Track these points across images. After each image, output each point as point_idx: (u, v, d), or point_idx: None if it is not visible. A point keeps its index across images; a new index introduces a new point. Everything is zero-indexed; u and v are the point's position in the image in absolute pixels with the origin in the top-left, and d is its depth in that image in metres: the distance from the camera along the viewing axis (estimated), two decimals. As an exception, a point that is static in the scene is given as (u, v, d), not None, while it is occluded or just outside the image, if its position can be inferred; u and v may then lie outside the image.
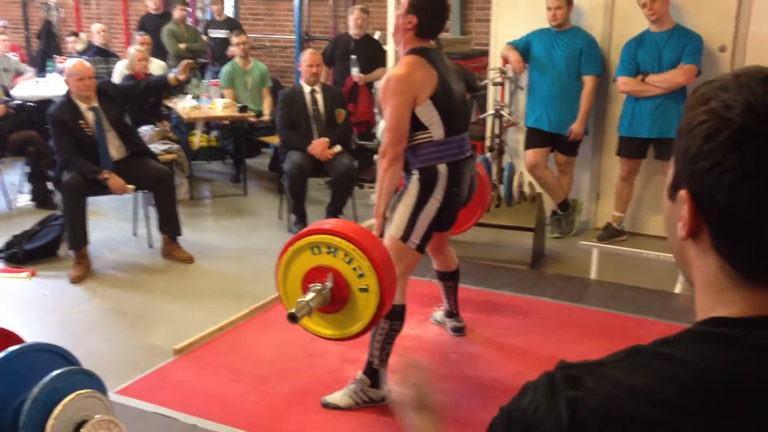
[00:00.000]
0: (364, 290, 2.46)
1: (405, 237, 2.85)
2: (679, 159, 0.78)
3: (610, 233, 5.09)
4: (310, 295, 2.46)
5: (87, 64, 4.84)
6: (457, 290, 3.50)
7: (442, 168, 2.84)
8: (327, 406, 2.96)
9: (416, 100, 2.77)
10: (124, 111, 5.00)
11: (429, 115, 2.80)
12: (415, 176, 2.86)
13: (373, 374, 2.94)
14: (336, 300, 2.49)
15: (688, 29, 4.69)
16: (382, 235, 2.88)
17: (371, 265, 2.44)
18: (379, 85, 2.86)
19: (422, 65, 2.80)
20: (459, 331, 3.53)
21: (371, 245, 2.49)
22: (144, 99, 5.80)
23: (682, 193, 0.77)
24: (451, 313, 3.54)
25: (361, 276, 2.45)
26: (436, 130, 2.83)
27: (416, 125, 2.81)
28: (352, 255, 2.45)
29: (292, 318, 2.41)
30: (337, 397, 2.96)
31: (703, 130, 0.74)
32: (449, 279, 3.46)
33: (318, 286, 2.47)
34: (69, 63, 4.87)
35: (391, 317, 2.86)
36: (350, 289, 2.48)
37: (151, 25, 8.27)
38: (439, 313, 3.65)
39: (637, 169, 4.96)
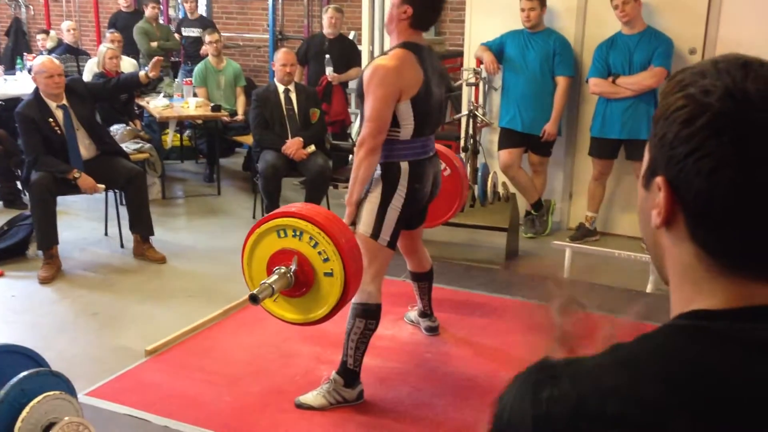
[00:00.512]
0: (329, 275, 2.47)
1: (375, 234, 2.85)
2: (655, 145, 0.76)
3: (583, 233, 5.14)
4: (273, 278, 2.46)
5: (56, 61, 4.77)
6: (431, 290, 3.51)
7: (404, 165, 2.84)
8: (300, 406, 2.94)
9: (400, 97, 2.75)
10: (94, 109, 4.95)
11: (405, 114, 2.80)
12: (378, 172, 2.86)
13: (347, 374, 2.93)
14: (300, 283, 2.49)
15: (659, 32, 4.74)
16: (353, 223, 2.87)
17: (336, 250, 2.44)
18: (362, 77, 2.80)
19: (412, 64, 2.78)
20: (433, 330, 3.54)
21: (337, 230, 2.49)
22: (115, 97, 5.73)
23: (658, 180, 0.75)
24: (425, 313, 3.55)
25: (326, 260, 2.46)
26: (406, 129, 2.83)
27: (391, 122, 2.80)
28: (318, 239, 2.45)
29: (254, 299, 2.41)
30: (311, 397, 2.95)
31: (680, 115, 0.72)
32: (423, 279, 3.47)
33: (282, 269, 2.48)
34: (37, 61, 4.79)
35: (366, 316, 2.86)
36: (315, 273, 2.49)
37: (122, 22, 8.19)
38: (412, 313, 3.65)
39: (609, 169, 5.01)
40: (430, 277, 3.48)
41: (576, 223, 5.33)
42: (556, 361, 0.76)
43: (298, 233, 2.48)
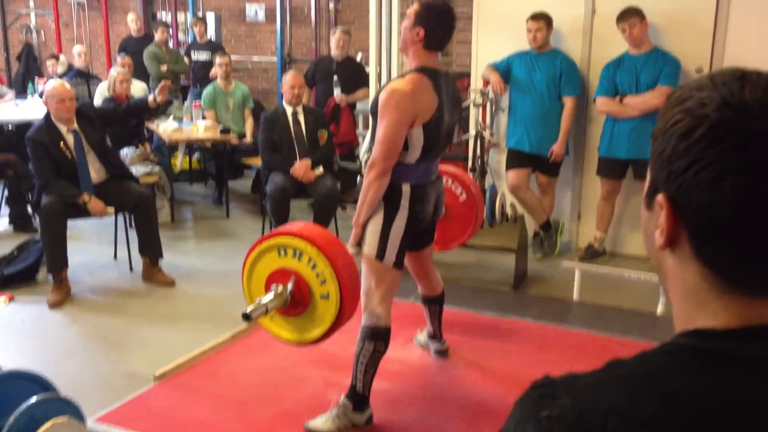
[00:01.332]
0: (325, 297, 2.49)
1: (380, 255, 2.83)
2: (654, 163, 0.74)
3: (592, 253, 5.10)
4: (269, 296, 2.47)
5: (67, 85, 4.81)
6: (442, 314, 3.49)
7: (406, 188, 2.84)
8: (310, 431, 2.92)
9: (413, 121, 2.75)
10: (104, 133, 4.98)
11: (416, 139, 2.79)
12: None
13: (357, 398, 2.91)
14: (297, 303, 2.50)
15: (665, 52, 4.75)
16: (359, 244, 2.87)
17: (334, 273, 2.45)
18: (377, 99, 2.81)
19: (428, 90, 2.77)
20: (442, 353, 3.52)
21: (336, 253, 2.50)
22: (125, 122, 5.77)
23: (659, 197, 0.73)
24: (434, 336, 3.53)
25: (323, 283, 2.48)
26: (413, 153, 2.82)
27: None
28: (316, 260, 2.47)
29: (246, 317, 2.43)
30: (320, 421, 2.93)
31: (678, 129, 0.71)
32: (434, 303, 3.45)
33: (279, 287, 2.49)
34: (49, 85, 4.83)
35: (376, 339, 2.84)
36: (311, 294, 2.50)
37: (133, 47, 8.27)
38: (422, 336, 3.63)
39: (618, 189, 4.99)
40: (441, 300, 3.46)
41: (585, 243, 5.30)
42: (555, 379, 0.75)
43: (297, 253, 2.50)
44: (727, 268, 0.71)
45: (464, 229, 3.71)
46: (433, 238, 3.25)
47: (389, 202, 2.83)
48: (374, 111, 2.82)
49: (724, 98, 0.69)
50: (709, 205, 0.69)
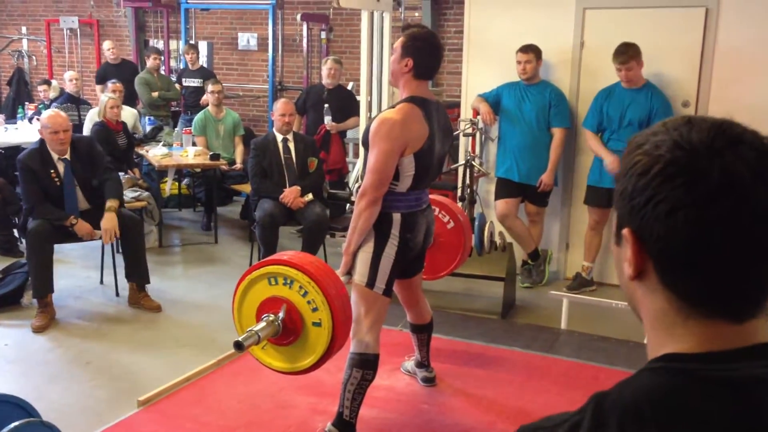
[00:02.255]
0: (317, 324, 2.47)
1: (370, 283, 2.84)
2: (618, 201, 0.81)
3: (580, 283, 5.13)
4: (261, 325, 2.46)
5: (63, 115, 4.76)
6: (430, 342, 3.48)
7: (396, 216, 2.85)
8: None
9: (404, 151, 2.77)
10: (92, 175, 4.82)
11: (407, 168, 2.81)
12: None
13: (343, 425, 2.89)
14: (288, 332, 2.48)
15: (656, 89, 4.78)
16: (349, 272, 2.88)
17: (325, 300, 2.44)
18: (369, 128, 2.84)
19: (419, 119, 2.79)
20: (429, 381, 3.50)
21: (328, 280, 2.50)
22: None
23: (625, 232, 0.80)
24: (422, 364, 3.51)
25: (315, 310, 2.47)
26: (404, 182, 2.84)
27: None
28: (307, 288, 2.46)
29: (238, 346, 2.40)
30: None
31: (637, 168, 0.79)
32: (423, 331, 3.43)
33: (270, 316, 2.48)
34: (46, 114, 4.71)
35: (364, 367, 2.83)
36: (303, 322, 2.49)
37: (112, 74, 8.27)
38: (409, 363, 3.62)
39: (605, 219, 5.02)
40: (430, 328, 3.45)
41: (573, 272, 5.32)
42: (539, 422, 0.80)
43: (288, 281, 2.49)
44: (689, 292, 0.77)
45: (452, 259, 3.71)
46: (423, 266, 3.25)
47: (380, 230, 2.84)
48: (365, 141, 2.84)
49: (675, 141, 0.77)
50: (666, 235, 0.76)
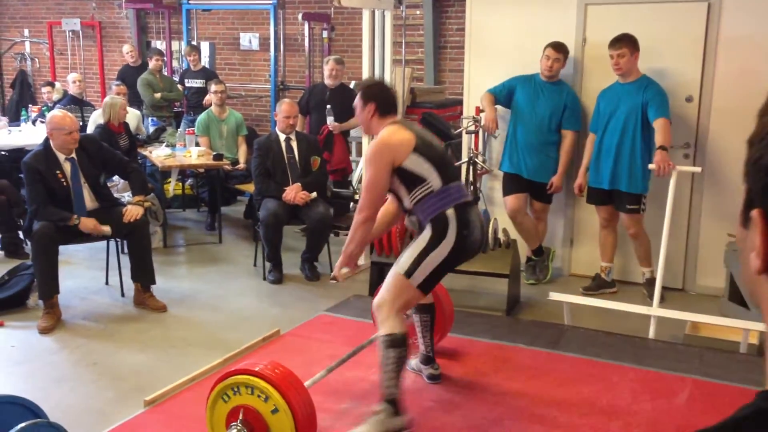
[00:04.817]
0: (275, 411, 2.56)
1: (408, 273, 2.94)
2: (749, 172, 0.63)
3: (599, 284, 5.04)
4: None
5: (71, 116, 4.79)
6: (434, 328, 3.47)
7: (450, 212, 2.95)
8: None
9: (396, 159, 2.95)
10: (101, 170, 4.90)
11: (420, 166, 2.96)
12: (428, 226, 2.97)
13: (392, 403, 2.95)
14: (257, 431, 2.58)
15: (652, 81, 4.73)
16: (349, 265, 3.16)
17: (268, 384, 2.55)
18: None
19: (399, 129, 3.04)
20: (435, 378, 3.50)
21: (263, 368, 2.60)
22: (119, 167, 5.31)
23: (754, 213, 0.62)
24: (428, 358, 3.51)
25: (266, 400, 2.56)
26: (433, 179, 2.96)
27: (413, 180, 2.97)
28: (251, 384, 2.57)
29: None
30: (363, 429, 2.96)
31: None
32: (426, 312, 3.42)
33: (235, 425, 2.59)
34: (54, 115, 4.70)
35: (395, 345, 2.91)
36: (262, 416, 2.58)
37: (131, 77, 8.35)
38: (414, 361, 3.62)
39: (615, 215, 4.97)
40: (433, 311, 3.46)
41: (578, 269, 5.31)
42: None
43: (236, 389, 2.61)
44: None
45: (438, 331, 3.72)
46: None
47: (437, 231, 2.94)
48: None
49: None
50: None
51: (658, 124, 4.55)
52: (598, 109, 4.91)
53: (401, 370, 2.96)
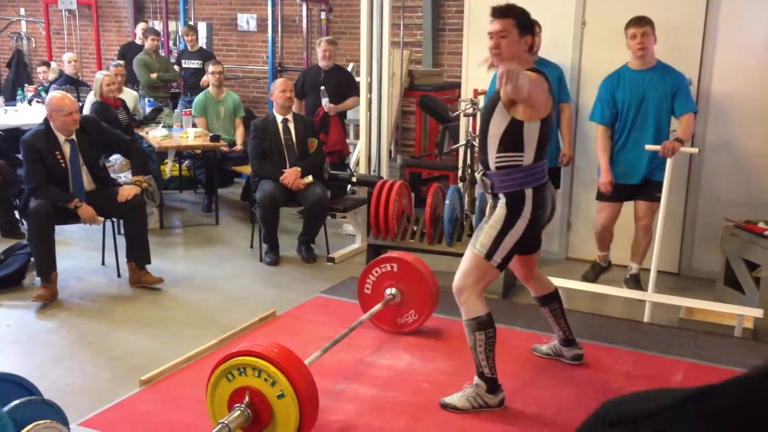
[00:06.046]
0: (281, 396, 2.54)
1: (489, 255, 2.91)
2: None
3: (597, 272, 5.00)
4: (230, 416, 2.53)
5: (71, 97, 4.76)
6: (565, 312, 3.40)
7: (528, 192, 2.91)
8: (446, 406, 3.01)
9: (539, 111, 2.82)
10: (101, 152, 4.89)
11: (531, 136, 2.86)
12: (502, 201, 2.92)
13: (487, 380, 2.97)
14: (261, 414, 2.56)
15: (670, 67, 4.50)
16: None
17: (277, 370, 2.53)
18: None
19: (546, 89, 2.87)
20: (578, 359, 3.43)
21: (272, 351, 2.57)
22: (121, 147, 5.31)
23: None
24: (568, 340, 3.42)
25: (273, 384, 2.54)
26: (528, 154, 2.89)
27: (516, 143, 2.86)
28: (258, 366, 2.54)
29: None
30: (455, 398, 3.00)
31: None
32: (552, 301, 3.36)
33: (239, 406, 2.56)
34: (54, 98, 4.66)
35: (483, 327, 2.92)
36: (268, 400, 2.56)
37: (130, 54, 8.34)
38: (545, 346, 3.54)
39: (618, 213, 4.79)
40: (559, 297, 3.38)
41: (574, 253, 5.31)
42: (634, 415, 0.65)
43: (242, 370, 2.58)
44: None
45: (422, 311, 3.72)
46: (540, 244, 3.30)
47: (512, 208, 2.90)
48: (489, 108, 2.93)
49: None
50: None
51: (685, 119, 4.36)
52: (610, 99, 4.59)
53: (492, 347, 2.96)
